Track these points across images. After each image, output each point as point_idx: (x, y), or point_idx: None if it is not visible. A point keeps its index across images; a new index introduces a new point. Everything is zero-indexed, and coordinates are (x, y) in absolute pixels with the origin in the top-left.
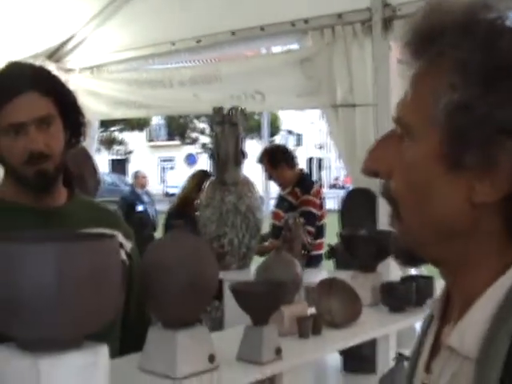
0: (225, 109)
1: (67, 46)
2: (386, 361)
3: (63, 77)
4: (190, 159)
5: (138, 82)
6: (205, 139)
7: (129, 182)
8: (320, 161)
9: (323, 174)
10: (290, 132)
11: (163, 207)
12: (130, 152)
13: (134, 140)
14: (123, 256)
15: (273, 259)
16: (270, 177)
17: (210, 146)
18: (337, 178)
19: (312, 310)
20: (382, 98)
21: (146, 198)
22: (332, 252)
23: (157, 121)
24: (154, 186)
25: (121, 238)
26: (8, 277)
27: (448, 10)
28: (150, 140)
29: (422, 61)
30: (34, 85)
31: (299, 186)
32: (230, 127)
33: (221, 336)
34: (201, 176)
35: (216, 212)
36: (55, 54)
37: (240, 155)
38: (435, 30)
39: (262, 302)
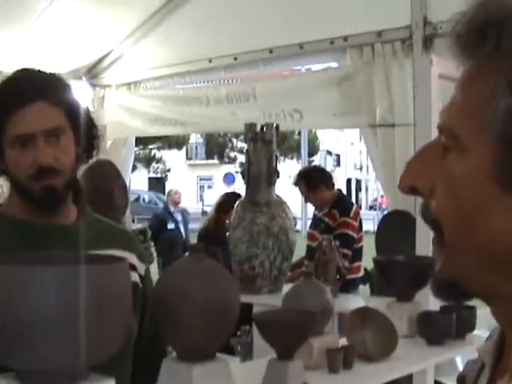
0: (257, 125)
1: (104, 63)
2: None
3: (100, 93)
4: (229, 178)
5: (174, 98)
6: (243, 158)
7: (165, 200)
8: (359, 182)
9: (362, 195)
10: (329, 152)
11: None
12: (169, 170)
13: (173, 158)
14: (136, 279)
15: (302, 285)
16: (306, 199)
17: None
18: (375, 200)
19: (343, 342)
20: (422, 116)
21: (179, 217)
22: (367, 277)
23: (195, 139)
24: (192, 205)
25: (134, 259)
26: (5, 302)
27: None
28: (189, 158)
29: (474, 58)
30: (43, 94)
31: (337, 207)
32: (262, 144)
33: (243, 368)
34: (230, 197)
35: (247, 233)
36: (92, 70)
37: (273, 174)
38: (492, 20)
39: (287, 334)
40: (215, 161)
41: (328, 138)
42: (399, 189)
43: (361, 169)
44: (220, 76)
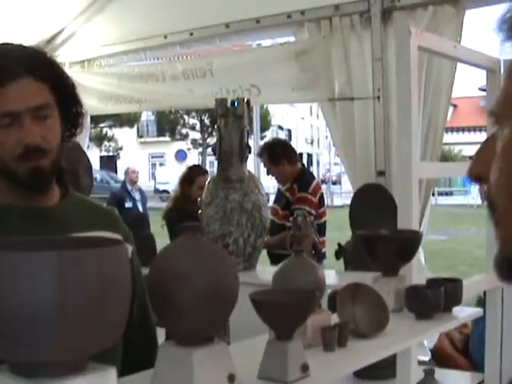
0: (228, 100)
1: (57, 40)
2: (407, 365)
3: None
4: (181, 155)
5: (129, 75)
6: (195, 135)
7: (119, 178)
8: (310, 156)
9: (313, 169)
10: (280, 127)
11: (154, 204)
12: (120, 148)
13: (124, 136)
14: None
15: (292, 264)
16: (268, 172)
17: (200, 141)
18: (326, 173)
19: (334, 319)
20: (402, 89)
21: (137, 195)
22: (341, 252)
23: (147, 117)
24: (145, 183)
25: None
26: (7, 292)
27: None
28: (140, 136)
29: None
30: (29, 69)
31: (297, 182)
32: (234, 120)
33: (235, 349)
34: (193, 169)
35: (220, 210)
36: (45, 48)
37: (245, 150)
38: None
39: (287, 314)
40: (167, 138)
41: (279, 113)
42: (467, 176)
43: (312, 143)
44: (176, 52)
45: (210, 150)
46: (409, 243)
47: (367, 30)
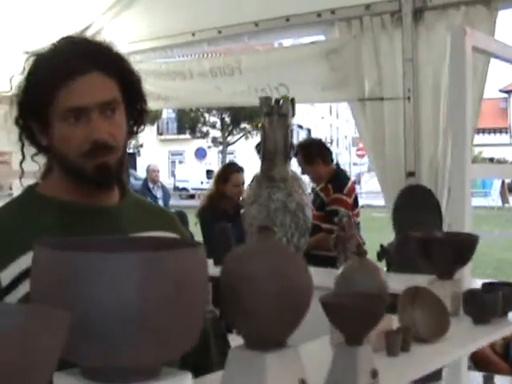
0: (273, 98)
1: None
2: (457, 370)
3: None
4: (200, 153)
5: (156, 72)
6: (216, 133)
7: (139, 176)
8: None
9: None
10: (300, 126)
11: (173, 202)
12: (141, 146)
13: (145, 134)
14: None
15: (355, 265)
16: (303, 171)
17: (220, 140)
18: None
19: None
20: (456, 90)
21: (158, 193)
22: (384, 253)
23: (167, 114)
24: (164, 180)
25: None
26: (77, 293)
27: None
28: (160, 134)
29: None
30: (98, 64)
31: (332, 182)
32: (278, 118)
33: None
34: (228, 167)
35: (263, 210)
36: None
37: (289, 149)
38: None
39: (360, 319)
40: (187, 136)
41: (299, 113)
42: None
43: (331, 143)
44: (203, 50)
45: (230, 148)
46: (465, 246)
47: (398, 30)
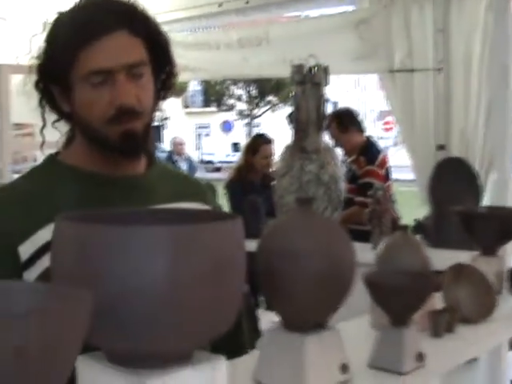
0: (305, 66)
1: None
2: (497, 350)
3: None
4: (226, 126)
5: (183, 44)
6: (242, 106)
7: (164, 148)
8: None
9: None
10: (326, 100)
11: (199, 174)
12: (166, 118)
13: (170, 106)
14: None
15: (398, 241)
16: (336, 141)
17: (246, 112)
18: None
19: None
20: (498, 57)
21: (184, 166)
22: (419, 228)
23: (193, 87)
24: (190, 153)
25: None
26: (102, 271)
27: None
28: (186, 106)
29: None
30: (124, 22)
31: (364, 154)
32: (311, 87)
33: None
34: (258, 138)
35: (295, 182)
36: None
37: (322, 119)
38: None
39: (408, 299)
40: (213, 108)
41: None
42: None
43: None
44: (231, 20)
45: (256, 121)
46: (510, 221)
47: (429, 0)
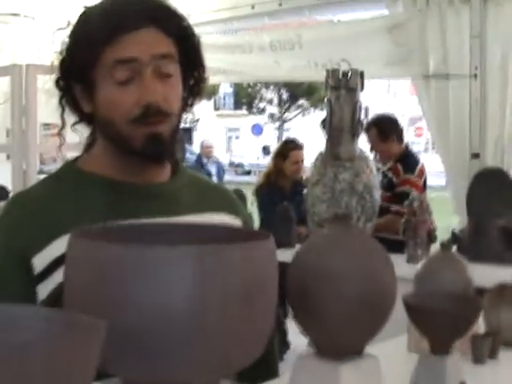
0: (340, 71)
1: None
2: None
3: None
4: (257, 129)
5: (214, 46)
6: (272, 109)
7: (194, 150)
8: None
9: None
10: (361, 106)
11: (229, 177)
12: (197, 120)
13: (201, 108)
14: None
15: (438, 261)
16: (373, 148)
17: (277, 116)
18: None
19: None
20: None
21: (212, 169)
22: (455, 240)
23: (224, 89)
24: (220, 156)
25: (240, 225)
26: (122, 296)
27: None
28: (217, 109)
29: None
30: (154, 19)
31: (402, 162)
32: (346, 93)
33: None
34: (288, 144)
35: (328, 191)
36: None
37: (357, 126)
38: None
39: (451, 325)
40: (243, 111)
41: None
42: None
43: None
44: (263, 23)
45: (287, 125)
46: None
47: (466, 5)
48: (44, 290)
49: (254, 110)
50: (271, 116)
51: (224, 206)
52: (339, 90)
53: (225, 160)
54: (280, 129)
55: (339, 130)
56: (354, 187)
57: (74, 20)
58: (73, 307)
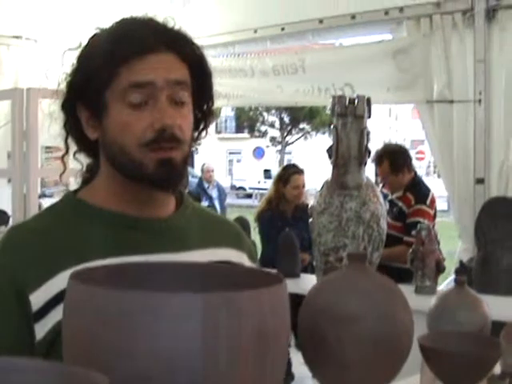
0: (346, 98)
1: None
2: None
3: None
4: (258, 152)
5: (217, 70)
6: (274, 133)
7: (196, 173)
8: None
9: None
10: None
11: (230, 200)
12: (198, 143)
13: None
14: None
15: (454, 296)
16: (384, 179)
17: (279, 139)
18: None
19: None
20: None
21: (214, 193)
22: (463, 270)
23: (226, 113)
24: (221, 179)
25: (245, 260)
26: (135, 345)
27: None
28: (219, 132)
29: None
30: (170, 44)
31: (412, 191)
32: (353, 120)
33: None
34: (288, 168)
35: (334, 220)
36: None
37: (365, 154)
38: None
39: (470, 368)
40: (245, 134)
41: None
42: None
43: None
44: (266, 47)
45: (289, 148)
46: None
47: (470, 30)
48: (41, 329)
49: (256, 133)
50: (273, 139)
51: (229, 240)
52: (346, 117)
53: (226, 183)
54: (281, 152)
55: (346, 157)
56: (360, 216)
57: (84, 41)
58: (71, 357)
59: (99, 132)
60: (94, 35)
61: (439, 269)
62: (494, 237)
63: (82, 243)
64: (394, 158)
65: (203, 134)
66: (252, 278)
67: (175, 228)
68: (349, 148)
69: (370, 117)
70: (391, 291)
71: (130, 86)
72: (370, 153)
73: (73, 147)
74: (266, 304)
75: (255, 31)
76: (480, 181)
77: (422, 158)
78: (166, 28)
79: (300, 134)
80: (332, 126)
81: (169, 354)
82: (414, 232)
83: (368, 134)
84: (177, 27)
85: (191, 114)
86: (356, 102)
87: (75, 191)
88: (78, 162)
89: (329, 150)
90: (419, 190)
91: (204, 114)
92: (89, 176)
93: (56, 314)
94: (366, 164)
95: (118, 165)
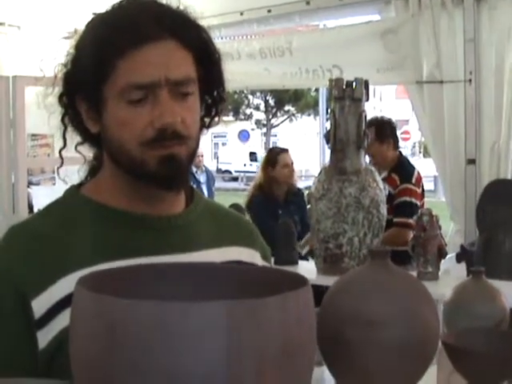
0: (344, 80)
1: None
2: None
3: None
4: (243, 135)
5: None
6: (259, 115)
7: None
8: None
9: None
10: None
11: (216, 184)
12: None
13: None
14: None
15: (470, 287)
16: (370, 151)
17: (264, 122)
18: None
19: None
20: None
21: (202, 178)
22: (464, 254)
23: None
24: (207, 162)
25: (258, 259)
26: (137, 362)
27: None
28: None
29: None
30: (172, 30)
31: (397, 171)
32: (351, 103)
33: None
34: (274, 151)
35: (333, 206)
36: None
37: (363, 138)
38: None
39: (498, 367)
40: (230, 117)
41: None
42: None
43: None
44: (252, 30)
45: (274, 130)
46: None
47: (459, 9)
48: (44, 337)
49: (241, 116)
50: (258, 122)
51: (241, 237)
52: (344, 101)
53: (212, 167)
54: (267, 135)
55: (344, 142)
56: (360, 202)
57: (80, 28)
58: (78, 375)
59: (100, 125)
60: (91, 21)
61: (441, 254)
62: (496, 220)
63: (86, 245)
64: (381, 127)
65: (215, 119)
66: (273, 277)
67: (187, 226)
68: (347, 132)
69: (367, 100)
70: (417, 291)
71: (128, 86)
72: (368, 137)
73: (69, 141)
74: (292, 309)
75: (241, 14)
76: (471, 161)
77: (408, 139)
78: (168, 12)
79: (285, 117)
80: (329, 110)
81: (191, 370)
82: (414, 217)
83: (366, 117)
84: (181, 10)
85: (197, 105)
86: (354, 84)
87: (78, 186)
88: (70, 150)
89: (326, 135)
90: (403, 169)
91: (214, 100)
92: (92, 170)
93: (59, 322)
94: (364, 148)
95: (119, 162)
